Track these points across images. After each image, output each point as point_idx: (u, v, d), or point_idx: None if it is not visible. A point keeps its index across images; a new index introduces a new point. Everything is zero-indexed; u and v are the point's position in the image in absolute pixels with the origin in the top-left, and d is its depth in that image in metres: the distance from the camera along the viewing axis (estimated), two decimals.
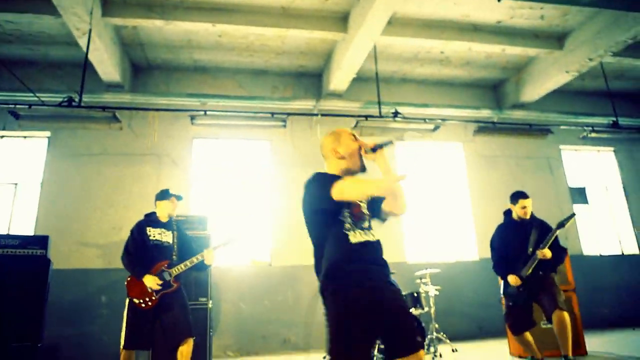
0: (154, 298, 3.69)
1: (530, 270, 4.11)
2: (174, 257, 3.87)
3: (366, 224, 2.26)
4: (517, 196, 4.42)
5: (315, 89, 8.29)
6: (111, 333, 6.22)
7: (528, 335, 4.23)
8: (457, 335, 6.74)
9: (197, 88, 7.66)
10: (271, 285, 7.15)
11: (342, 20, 6.62)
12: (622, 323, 7.71)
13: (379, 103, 6.61)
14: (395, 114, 6.42)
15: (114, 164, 7.13)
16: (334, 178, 2.19)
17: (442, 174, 8.70)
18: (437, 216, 8.39)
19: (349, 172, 2.32)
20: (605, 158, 9.53)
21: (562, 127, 8.23)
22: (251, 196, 7.69)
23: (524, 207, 4.35)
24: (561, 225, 4.15)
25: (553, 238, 4.12)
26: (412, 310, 5.35)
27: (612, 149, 9.45)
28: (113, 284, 6.52)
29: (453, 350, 5.68)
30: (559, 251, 4.19)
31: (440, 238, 8.28)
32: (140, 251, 3.88)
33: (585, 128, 7.64)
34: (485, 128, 7.09)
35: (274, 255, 7.35)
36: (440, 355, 5.35)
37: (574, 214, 4.25)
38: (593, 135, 7.78)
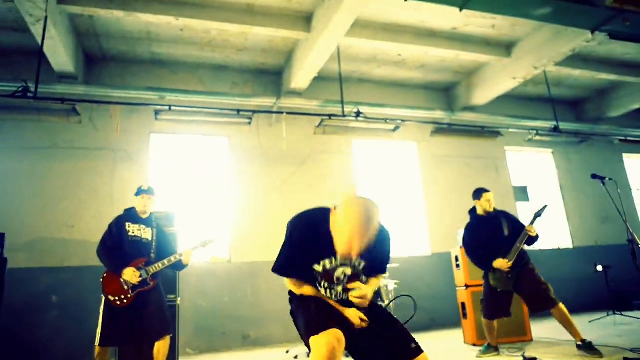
0: (129, 296, 3.62)
1: (515, 256, 4.37)
2: (152, 254, 3.83)
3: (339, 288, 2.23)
4: (480, 191, 4.72)
5: (275, 86, 8.33)
6: (63, 334, 6.03)
7: (496, 322, 4.57)
8: (411, 327, 7.02)
9: (155, 82, 7.48)
10: (231, 281, 7.15)
11: (305, 20, 6.70)
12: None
13: (342, 103, 6.77)
14: (358, 113, 6.60)
15: (66, 158, 6.84)
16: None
17: (398, 172, 9.02)
18: (393, 213, 8.69)
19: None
20: (544, 159, 10.23)
21: (508, 129, 8.76)
22: (211, 192, 7.63)
23: (489, 200, 4.65)
24: (538, 215, 4.50)
25: (533, 219, 4.46)
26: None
27: (550, 150, 10.15)
28: (65, 283, 6.28)
29: None
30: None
31: (395, 234, 8.58)
32: (118, 247, 3.80)
33: (531, 131, 8.19)
34: (442, 129, 7.45)
35: (234, 252, 7.35)
36: None
37: (546, 205, 4.60)
38: (537, 138, 8.36)
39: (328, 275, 2.19)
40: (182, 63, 7.77)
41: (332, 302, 2.20)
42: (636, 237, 4.04)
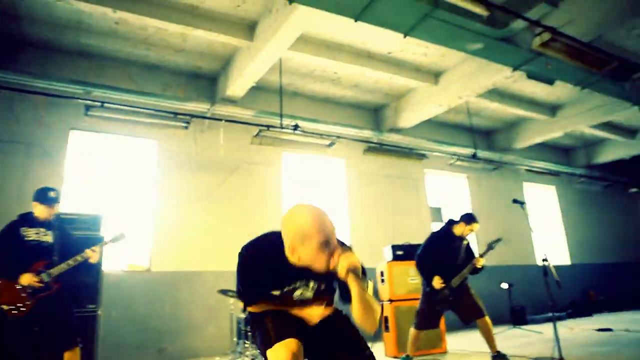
0: (27, 303, 3.26)
1: (459, 281, 4.64)
2: (55, 257, 3.45)
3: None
4: (473, 219, 4.92)
5: (209, 92, 8.13)
6: None
7: (423, 333, 4.82)
8: None
9: (80, 75, 6.96)
10: (148, 291, 6.79)
11: (249, 29, 6.66)
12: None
13: (281, 115, 6.80)
14: (295, 127, 6.66)
15: None
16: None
17: (325, 187, 9.19)
18: None
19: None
20: (460, 183, 11.00)
21: (433, 153, 9.32)
22: (133, 197, 7.24)
23: (472, 230, 4.90)
24: (491, 247, 4.87)
25: (485, 251, 4.80)
26: None
27: (466, 175, 10.94)
28: None
29: None
30: None
31: None
32: (13, 252, 3.42)
33: (452, 156, 8.78)
34: (375, 148, 7.74)
35: (154, 260, 7.00)
36: None
37: (500, 239, 4.95)
38: (458, 163, 8.99)
39: (288, 297, 2.11)
40: (112, 58, 7.33)
41: (290, 309, 2.11)
42: (547, 258, 4.45)
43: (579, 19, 5.88)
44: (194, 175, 7.60)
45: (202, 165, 7.72)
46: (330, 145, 7.05)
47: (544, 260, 4.48)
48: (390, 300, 5.76)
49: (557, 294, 10.73)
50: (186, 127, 6.27)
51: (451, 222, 5.09)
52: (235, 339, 5.91)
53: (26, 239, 3.43)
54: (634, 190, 12.94)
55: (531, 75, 6.68)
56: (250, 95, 7.92)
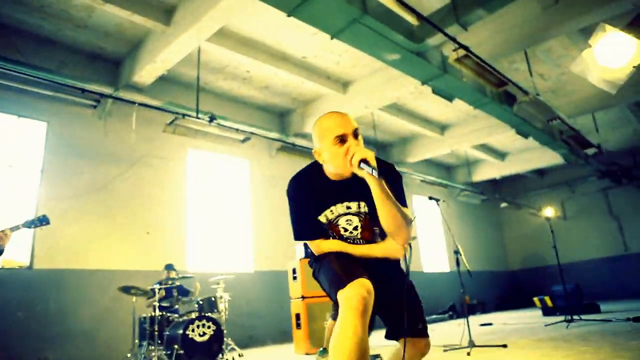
0: None
1: None
2: None
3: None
4: None
5: (110, 77, 7.48)
6: None
7: None
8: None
9: None
10: (29, 292, 5.96)
11: (166, 13, 6.31)
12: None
13: (197, 103, 6.50)
14: (212, 118, 6.41)
15: None
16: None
17: (229, 188, 8.96)
18: (220, 228, 8.54)
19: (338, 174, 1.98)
20: None
21: None
22: (13, 183, 6.34)
23: None
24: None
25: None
26: (210, 314, 5.34)
27: None
28: None
29: (240, 355, 5.84)
30: None
31: (220, 250, 8.43)
32: None
33: None
34: (287, 147, 7.76)
35: (37, 256, 6.18)
36: (234, 358, 5.47)
37: (414, 237, 5.10)
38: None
39: (336, 228, 2.04)
40: None
41: (351, 249, 2.00)
42: (460, 248, 4.83)
43: (484, 44, 6.61)
44: (88, 164, 6.90)
45: (97, 154, 7.05)
46: (244, 140, 6.92)
47: (455, 252, 4.81)
48: (303, 297, 5.77)
49: (438, 298, 11.73)
50: (95, 107, 5.67)
51: None
52: (137, 341, 5.43)
53: None
54: (504, 204, 14.66)
55: (436, 91, 7.27)
56: (158, 85, 7.47)
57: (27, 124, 6.62)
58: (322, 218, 2.04)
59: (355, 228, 2.04)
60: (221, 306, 5.63)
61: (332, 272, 1.83)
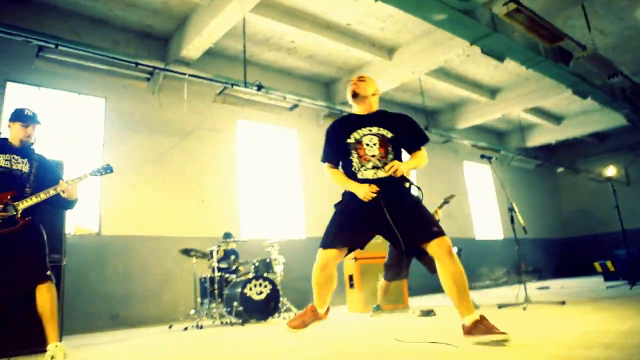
0: None
1: None
2: (28, 189, 3.04)
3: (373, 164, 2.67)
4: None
5: (160, 53, 7.75)
6: None
7: (390, 285, 4.95)
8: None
9: (17, 22, 6.34)
10: (99, 256, 6.41)
11: None
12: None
13: (245, 72, 6.63)
14: (260, 86, 6.53)
15: None
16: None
17: (278, 157, 9.13)
18: (272, 197, 8.76)
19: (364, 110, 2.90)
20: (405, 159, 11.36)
21: None
22: (80, 156, 6.75)
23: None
24: (446, 202, 5.20)
25: (442, 204, 5.10)
26: (266, 274, 5.56)
27: None
28: None
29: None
30: None
31: (273, 218, 8.66)
32: None
33: None
34: (334, 114, 7.77)
35: (104, 224, 6.61)
36: (290, 317, 5.67)
37: (453, 195, 5.31)
38: None
39: (360, 146, 2.69)
40: (55, 7, 6.73)
41: (355, 187, 2.62)
42: (514, 206, 4.74)
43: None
44: (143, 137, 7.23)
45: (152, 127, 7.37)
46: (292, 108, 7.01)
47: (510, 209, 4.72)
48: (355, 259, 5.87)
49: (491, 265, 11.54)
50: (149, 79, 5.90)
51: None
52: (199, 299, 5.74)
53: None
54: (560, 170, 14.07)
55: (485, 51, 7.03)
56: (205, 59, 7.67)
57: (87, 101, 7.00)
58: (351, 139, 2.73)
59: (375, 144, 2.68)
60: (277, 268, 5.83)
61: (327, 229, 2.68)
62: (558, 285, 8.59)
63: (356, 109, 2.87)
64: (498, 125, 13.56)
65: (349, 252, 2.70)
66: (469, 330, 2.31)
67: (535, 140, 13.72)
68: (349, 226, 2.61)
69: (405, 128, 2.78)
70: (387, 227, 2.50)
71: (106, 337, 5.02)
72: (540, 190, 15.20)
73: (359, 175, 2.63)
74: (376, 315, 4.99)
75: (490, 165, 5.26)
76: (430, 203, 5.24)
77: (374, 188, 2.52)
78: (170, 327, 5.53)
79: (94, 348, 3.92)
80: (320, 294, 2.72)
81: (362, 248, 2.78)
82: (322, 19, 7.61)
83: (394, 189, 2.59)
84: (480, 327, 2.28)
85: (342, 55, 8.82)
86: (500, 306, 4.70)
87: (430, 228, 2.45)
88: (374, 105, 2.88)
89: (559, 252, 14.76)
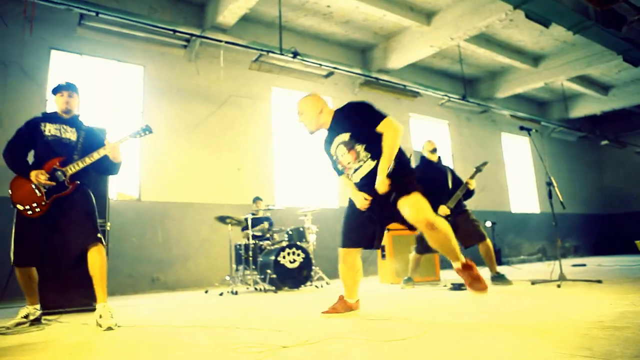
0: (43, 203, 3.01)
1: (455, 203, 4.73)
2: (75, 156, 3.17)
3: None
4: (431, 139, 5.13)
5: (196, 19, 7.73)
6: None
7: (422, 258, 4.97)
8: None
9: None
10: (139, 221, 6.66)
11: None
12: None
13: (280, 39, 6.56)
14: (295, 53, 6.46)
15: None
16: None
17: None
18: (305, 167, 8.80)
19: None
20: (440, 129, 11.13)
21: (425, 91, 9.35)
22: (120, 123, 6.93)
23: (434, 147, 5.00)
24: (478, 169, 4.97)
25: (474, 174, 4.90)
26: (299, 243, 5.66)
27: (447, 122, 11.07)
28: None
29: (327, 283, 6.16)
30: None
31: (307, 186, 8.72)
32: (30, 147, 3.18)
33: (443, 96, 8.82)
34: (370, 82, 7.67)
35: (143, 190, 6.83)
36: (322, 286, 5.79)
37: (486, 162, 5.14)
38: (437, 109, 9.07)
39: (337, 159, 2.92)
40: None
41: (354, 196, 2.82)
42: (553, 180, 4.60)
43: None
44: (181, 105, 7.33)
45: (189, 95, 7.45)
46: (327, 75, 6.92)
47: (548, 183, 4.58)
48: (388, 229, 5.87)
49: (527, 239, 11.33)
50: (185, 47, 5.92)
51: (422, 155, 5.27)
52: (234, 266, 5.92)
53: (46, 133, 3.14)
54: (605, 142, 13.49)
55: (529, 15, 6.69)
56: (241, 25, 7.62)
57: (126, 69, 7.12)
58: (333, 155, 2.96)
59: (344, 153, 2.84)
60: (310, 237, 5.91)
61: (342, 228, 2.93)
62: (595, 263, 8.38)
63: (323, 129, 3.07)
64: (539, 95, 13.03)
65: (367, 248, 2.87)
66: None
67: (579, 111, 13.13)
68: (355, 229, 2.84)
69: (355, 121, 2.83)
70: (389, 217, 2.75)
71: (147, 299, 5.27)
72: (581, 163, 14.65)
73: (353, 181, 2.87)
74: (407, 287, 5.03)
75: (530, 138, 5.08)
76: (465, 174, 5.19)
77: (368, 197, 2.71)
78: (206, 292, 5.74)
79: (136, 309, 4.12)
80: (345, 285, 2.95)
81: (376, 246, 2.90)
82: None
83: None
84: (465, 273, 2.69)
85: (379, 20, 8.58)
86: (533, 282, 4.65)
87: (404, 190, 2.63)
88: (327, 117, 3.00)
89: (598, 228, 14.30)
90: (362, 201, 2.72)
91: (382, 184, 2.60)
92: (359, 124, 2.79)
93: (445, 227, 2.56)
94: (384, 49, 9.43)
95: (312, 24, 8.69)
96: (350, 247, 2.83)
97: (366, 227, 2.80)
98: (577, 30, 7.26)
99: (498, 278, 4.71)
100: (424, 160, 5.16)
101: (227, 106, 7.76)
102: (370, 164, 2.73)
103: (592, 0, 5.79)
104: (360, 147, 2.76)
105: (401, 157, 2.76)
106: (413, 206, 2.54)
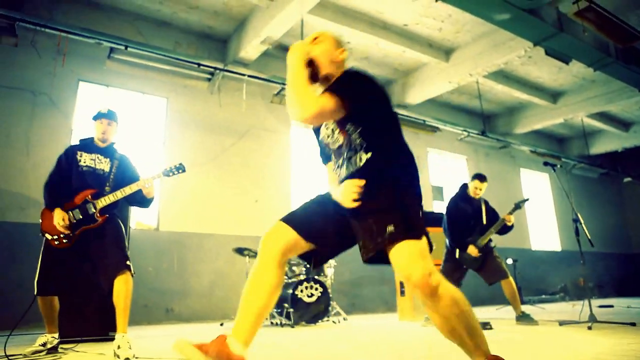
0: (71, 235, 3.01)
1: (486, 240, 4.63)
2: (108, 187, 3.18)
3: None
4: (484, 178, 5.00)
5: (219, 54, 7.94)
6: None
7: None
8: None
9: (88, 25, 6.69)
10: (156, 251, 6.64)
11: None
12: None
13: None
14: None
15: None
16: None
17: None
18: None
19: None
20: (458, 165, 11.07)
21: (443, 126, 9.36)
22: (142, 154, 7.03)
23: (481, 189, 4.90)
24: (518, 206, 4.85)
25: (513, 210, 4.78)
26: (317, 276, 5.56)
27: (465, 157, 11.02)
28: None
29: (344, 319, 6.01)
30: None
31: None
32: (66, 177, 3.19)
33: (463, 131, 8.81)
34: None
35: (162, 220, 6.84)
36: (339, 322, 5.65)
37: (527, 199, 5.07)
38: (457, 144, 9.04)
39: (326, 138, 2.02)
40: (122, 10, 7.06)
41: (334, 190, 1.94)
42: (580, 217, 4.49)
43: None
44: (202, 136, 7.43)
45: (210, 127, 7.56)
46: None
47: (574, 220, 4.47)
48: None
49: (548, 278, 11.01)
50: (209, 80, 6.07)
51: (465, 184, 5.13)
52: None
53: (80, 163, 3.18)
54: (627, 179, 13.24)
55: (550, 52, 6.72)
56: (262, 60, 7.78)
57: (150, 100, 7.28)
58: (322, 137, 2.05)
59: (334, 131, 1.94)
60: (327, 271, 5.81)
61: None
62: (622, 304, 8.07)
63: None
64: (559, 131, 12.94)
65: (313, 242, 1.87)
66: None
67: (600, 147, 12.98)
68: (314, 214, 1.98)
69: (356, 92, 1.86)
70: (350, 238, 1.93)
71: (161, 330, 5.19)
72: (603, 201, 14.34)
73: (340, 178, 2.06)
74: (428, 325, 4.87)
75: (553, 174, 5.00)
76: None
77: (358, 188, 1.86)
78: (221, 324, 5.65)
79: (151, 340, 4.05)
80: (243, 309, 1.73)
81: (320, 259, 1.96)
82: (379, 20, 7.54)
83: None
84: None
85: (398, 57, 8.70)
86: (561, 323, 4.46)
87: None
88: (337, 70, 2.00)
89: (621, 268, 13.85)
90: (350, 193, 1.77)
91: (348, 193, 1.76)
92: (359, 97, 1.80)
93: (457, 297, 1.65)
94: (403, 84, 9.52)
95: None
96: (293, 226, 1.80)
97: (330, 223, 1.87)
98: (598, 67, 7.25)
99: (523, 318, 4.54)
100: (464, 191, 5.03)
101: (247, 139, 7.84)
102: (362, 156, 1.84)
103: (613, 37, 5.79)
104: (352, 128, 1.86)
105: (405, 175, 1.84)
106: (411, 257, 1.61)
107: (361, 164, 1.83)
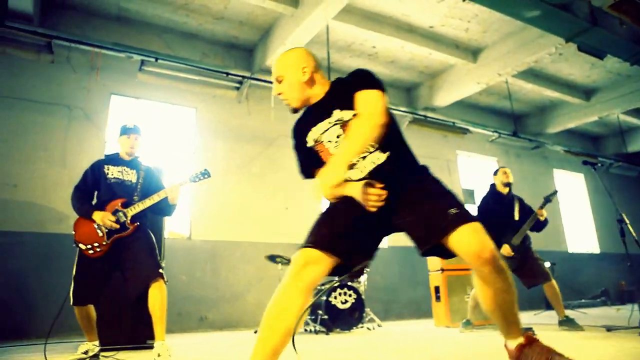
0: (104, 243, 3.09)
1: (521, 238, 4.48)
2: (136, 197, 3.28)
3: None
4: (497, 169, 4.93)
5: (245, 63, 8.02)
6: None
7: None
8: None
9: (118, 40, 6.87)
10: (189, 259, 6.70)
11: None
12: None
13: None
14: None
15: (13, 109, 6.03)
16: None
17: None
18: None
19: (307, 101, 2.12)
20: (489, 166, 10.84)
21: (474, 129, 9.20)
22: (173, 164, 7.14)
23: (505, 173, 4.78)
24: (548, 199, 4.67)
25: (543, 204, 4.61)
26: (350, 283, 5.50)
27: (496, 159, 10.78)
28: (9, 247, 5.51)
29: (379, 326, 5.92)
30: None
31: None
32: (94, 189, 3.32)
33: (494, 132, 8.64)
34: (419, 120, 7.62)
35: (194, 229, 6.91)
36: (374, 328, 5.57)
37: (557, 191, 4.88)
38: (488, 146, 8.85)
39: (321, 146, 1.99)
40: (150, 24, 7.21)
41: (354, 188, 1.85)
42: (624, 217, 4.30)
43: None
44: (231, 145, 7.50)
45: (239, 136, 7.62)
46: None
47: (619, 221, 4.28)
48: (442, 270, 5.64)
49: (587, 281, 10.63)
50: (237, 89, 6.14)
51: (492, 184, 5.02)
52: None
53: (109, 176, 3.30)
54: None
55: (582, 48, 6.51)
56: None
57: (179, 111, 7.40)
58: (309, 142, 2.01)
59: (339, 136, 1.91)
60: (361, 277, 5.75)
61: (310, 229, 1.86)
62: None
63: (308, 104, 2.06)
64: (593, 129, 12.54)
65: (350, 262, 1.85)
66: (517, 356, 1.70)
67: (638, 144, 12.50)
68: (338, 228, 1.93)
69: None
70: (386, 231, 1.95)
71: (195, 338, 5.22)
72: None
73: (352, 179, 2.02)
74: (466, 331, 4.74)
75: (591, 173, 4.83)
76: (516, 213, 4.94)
77: (382, 192, 1.81)
78: (255, 332, 5.62)
79: (186, 348, 4.06)
80: (262, 340, 1.80)
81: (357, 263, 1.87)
82: (404, 23, 7.48)
83: None
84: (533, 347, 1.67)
85: (424, 59, 8.61)
86: (608, 329, 4.27)
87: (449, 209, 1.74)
88: (319, 87, 2.01)
89: None
90: (374, 196, 1.73)
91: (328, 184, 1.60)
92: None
93: (511, 278, 1.69)
94: (430, 87, 9.41)
95: (358, 64, 8.80)
96: (322, 249, 1.73)
97: (357, 233, 1.83)
98: (634, 61, 7.00)
99: (567, 322, 4.36)
100: (493, 190, 4.92)
101: (275, 146, 7.87)
102: (380, 156, 1.85)
103: None
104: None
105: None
106: (476, 236, 1.61)
107: (380, 162, 1.85)
